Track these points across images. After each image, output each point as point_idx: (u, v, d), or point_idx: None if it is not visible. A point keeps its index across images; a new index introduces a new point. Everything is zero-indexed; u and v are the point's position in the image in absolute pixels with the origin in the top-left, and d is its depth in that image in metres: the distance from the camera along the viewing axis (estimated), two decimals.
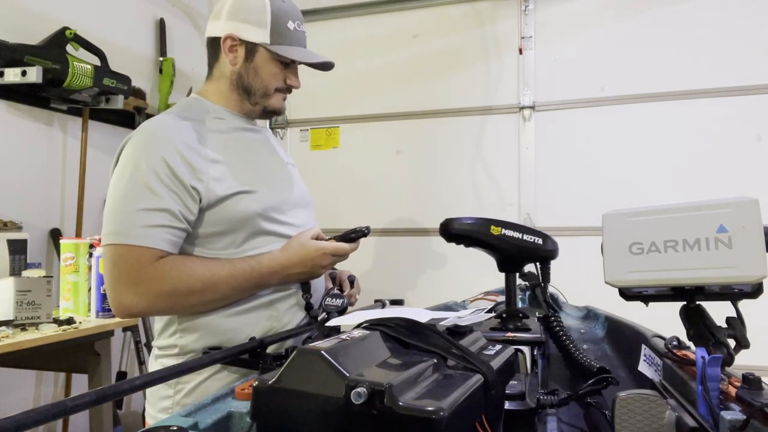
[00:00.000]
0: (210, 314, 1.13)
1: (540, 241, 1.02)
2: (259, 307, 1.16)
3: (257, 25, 1.19)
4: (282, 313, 1.18)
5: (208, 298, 1.09)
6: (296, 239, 1.19)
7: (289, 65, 1.25)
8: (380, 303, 1.30)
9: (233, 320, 1.14)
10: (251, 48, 1.21)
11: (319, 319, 1.07)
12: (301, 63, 1.27)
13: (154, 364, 1.19)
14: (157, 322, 1.19)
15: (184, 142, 1.10)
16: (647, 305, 0.83)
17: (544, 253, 1.03)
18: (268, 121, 3.04)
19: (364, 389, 0.49)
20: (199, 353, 1.12)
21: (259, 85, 1.23)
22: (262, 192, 1.17)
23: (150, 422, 1.17)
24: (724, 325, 0.75)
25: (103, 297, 1.89)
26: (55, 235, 2.27)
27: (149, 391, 1.17)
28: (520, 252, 1.03)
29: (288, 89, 1.28)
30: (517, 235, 1.02)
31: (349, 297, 1.29)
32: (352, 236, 1.21)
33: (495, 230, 1.02)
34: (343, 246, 1.20)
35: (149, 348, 2.25)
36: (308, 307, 1.21)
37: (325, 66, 1.30)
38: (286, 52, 1.22)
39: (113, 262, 1.06)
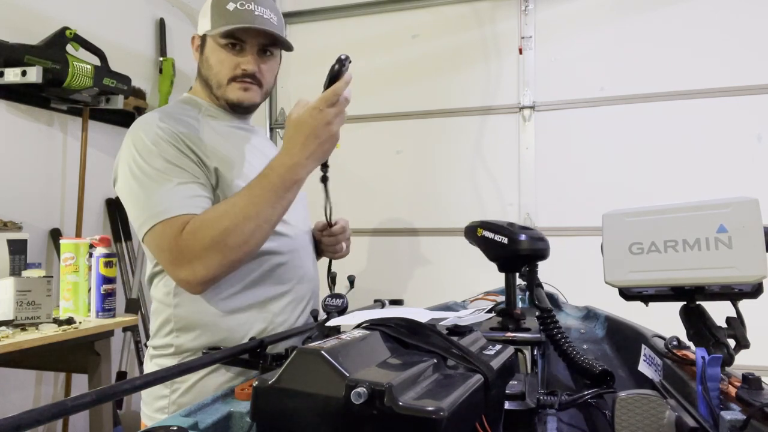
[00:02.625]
0: (206, 314, 1.13)
1: (505, 240, 0.98)
2: (254, 306, 1.16)
3: (203, 17, 1.22)
4: (277, 313, 1.18)
5: (247, 227, 1.03)
6: (287, 121, 1.08)
7: (242, 50, 1.20)
8: (380, 303, 1.30)
9: (229, 319, 1.14)
10: (202, 40, 1.24)
11: (319, 319, 1.07)
12: (263, 39, 1.21)
13: (149, 365, 1.19)
14: (153, 322, 1.19)
15: (182, 131, 1.13)
16: (647, 305, 0.83)
17: (510, 252, 0.99)
18: (267, 122, 3.04)
19: (364, 389, 0.49)
20: (195, 353, 1.12)
21: (212, 74, 1.22)
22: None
23: (146, 422, 1.17)
24: (724, 325, 0.75)
25: (103, 297, 1.89)
26: (55, 235, 2.28)
27: (145, 391, 1.16)
28: (495, 252, 1.01)
29: (245, 76, 1.21)
30: (490, 235, 1.00)
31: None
32: (335, 72, 1.05)
33: (479, 232, 1.02)
34: (335, 87, 1.04)
35: None
36: (332, 282, 1.22)
37: (280, 42, 1.23)
38: (218, 30, 1.16)
39: (156, 245, 1.06)
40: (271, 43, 1.23)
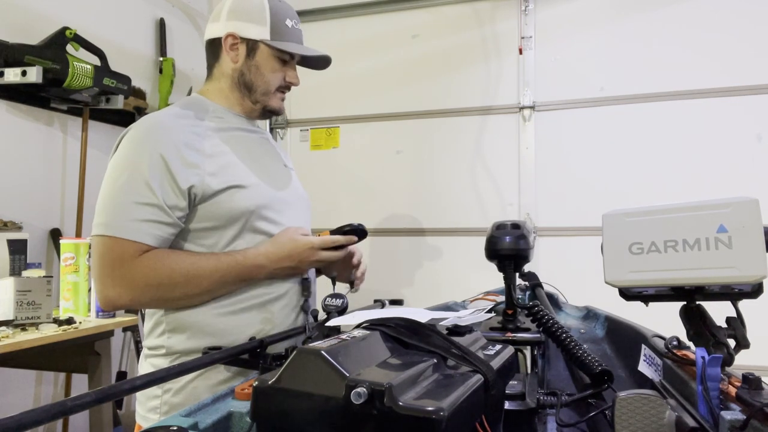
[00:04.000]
0: (199, 315, 1.13)
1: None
2: (251, 308, 1.15)
3: (257, 23, 1.21)
4: (274, 315, 1.18)
5: (192, 291, 1.09)
6: (285, 233, 1.19)
7: (287, 63, 1.27)
8: (380, 303, 1.30)
9: (223, 321, 1.13)
10: (252, 45, 1.23)
11: (318, 319, 1.07)
12: (301, 57, 1.29)
13: (144, 364, 1.19)
14: (147, 322, 1.19)
15: (181, 139, 1.11)
16: (647, 305, 0.83)
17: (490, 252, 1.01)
18: (267, 122, 3.04)
19: (364, 389, 0.49)
20: (186, 354, 1.13)
21: (261, 81, 1.25)
22: (256, 188, 1.17)
23: (140, 422, 1.17)
24: (724, 325, 0.75)
25: None
26: (55, 235, 2.28)
27: (139, 392, 1.17)
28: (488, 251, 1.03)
29: (287, 87, 1.29)
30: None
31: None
32: (346, 230, 1.20)
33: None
34: (333, 238, 1.19)
35: None
36: (306, 308, 1.21)
37: (324, 61, 1.32)
38: (287, 47, 1.24)
39: (100, 253, 1.08)
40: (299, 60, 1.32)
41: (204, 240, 1.13)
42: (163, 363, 1.15)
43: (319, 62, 1.33)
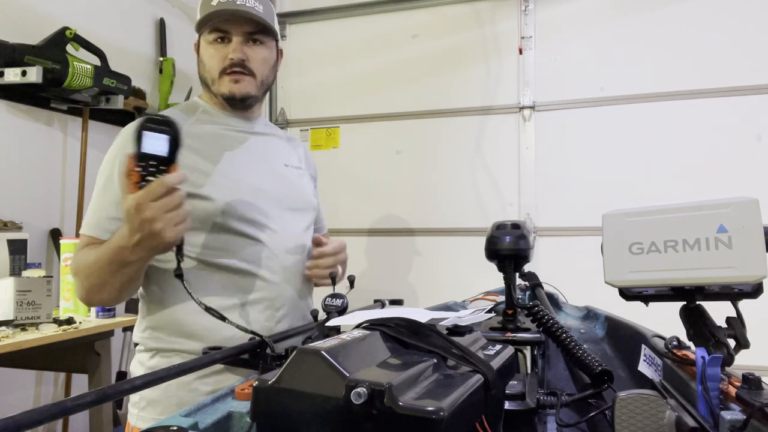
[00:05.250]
0: (174, 314, 1.15)
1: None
2: (229, 309, 1.14)
3: (194, 22, 1.24)
4: (249, 321, 1.15)
5: (88, 282, 1.08)
6: None
7: (224, 41, 1.20)
8: (380, 303, 1.29)
9: (198, 321, 1.13)
10: (197, 43, 1.26)
11: (319, 319, 1.07)
12: (243, 34, 1.20)
13: (133, 360, 1.23)
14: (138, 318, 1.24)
15: None
16: (647, 305, 0.83)
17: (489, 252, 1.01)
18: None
19: (364, 389, 0.49)
20: (162, 353, 1.16)
21: (206, 72, 1.24)
22: (221, 193, 1.15)
23: (129, 420, 1.18)
24: (724, 325, 0.75)
25: None
26: (55, 235, 2.28)
27: None
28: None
29: (233, 65, 1.20)
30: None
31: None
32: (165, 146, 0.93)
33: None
34: (162, 180, 0.89)
35: None
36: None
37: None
38: (200, 22, 1.20)
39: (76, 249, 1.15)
40: (258, 31, 1.22)
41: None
42: (145, 359, 1.19)
43: (269, 29, 1.23)
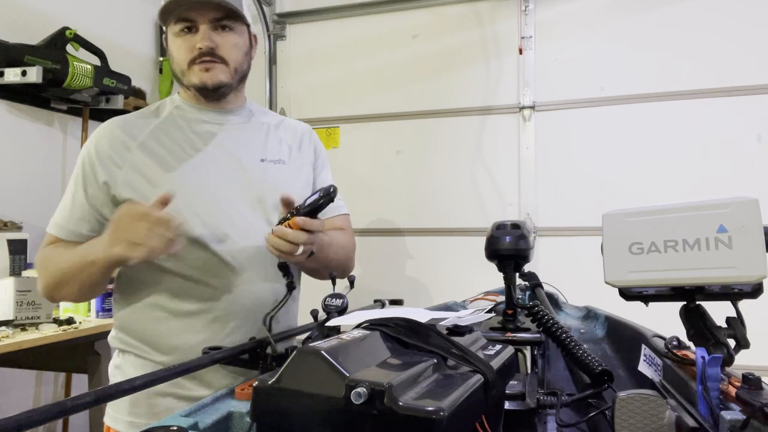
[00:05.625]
0: (129, 318, 1.16)
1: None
2: (173, 318, 1.12)
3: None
4: (200, 330, 1.11)
5: (52, 280, 1.12)
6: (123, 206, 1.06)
7: (191, 31, 1.14)
8: (380, 303, 1.30)
9: (153, 328, 1.13)
10: (165, 36, 1.22)
11: (319, 319, 1.07)
12: (209, 21, 1.14)
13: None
14: None
15: (105, 149, 1.16)
16: (647, 305, 0.83)
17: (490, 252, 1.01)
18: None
19: (364, 389, 0.49)
20: (121, 352, 1.18)
21: (175, 65, 1.19)
22: (170, 193, 1.07)
23: (106, 420, 1.19)
24: (724, 325, 0.75)
25: (103, 297, 1.88)
26: None
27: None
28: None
29: (201, 55, 1.14)
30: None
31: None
32: (307, 207, 0.98)
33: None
34: (158, 216, 0.95)
35: None
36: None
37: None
38: (162, 13, 1.14)
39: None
40: (225, 16, 1.15)
41: None
42: (116, 358, 1.21)
43: (236, 13, 1.16)
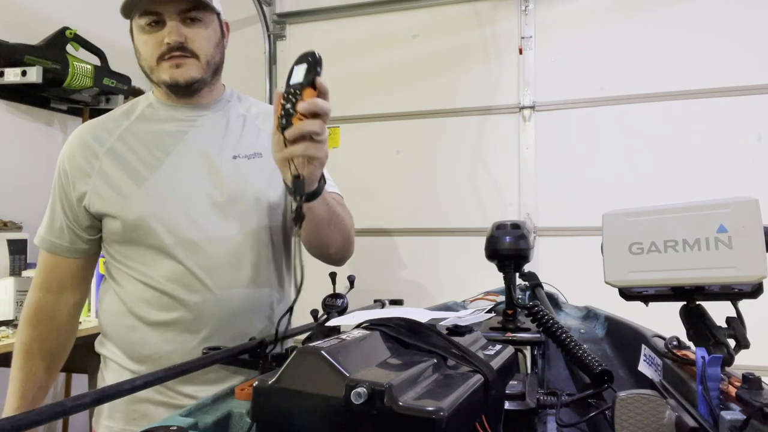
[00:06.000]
0: (109, 325, 1.18)
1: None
2: (146, 324, 1.12)
3: None
4: (169, 340, 1.10)
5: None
6: None
7: (158, 24, 1.09)
8: (380, 303, 1.30)
9: (130, 336, 1.14)
10: (130, 30, 1.17)
11: (318, 319, 1.07)
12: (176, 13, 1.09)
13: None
14: None
15: (76, 157, 1.16)
16: (647, 305, 0.83)
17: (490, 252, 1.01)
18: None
19: (364, 389, 0.49)
20: (104, 360, 1.20)
21: (143, 61, 1.15)
22: (137, 208, 1.08)
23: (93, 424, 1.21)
24: (724, 325, 0.75)
25: None
26: None
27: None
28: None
29: (171, 50, 1.09)
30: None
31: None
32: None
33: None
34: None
35: None
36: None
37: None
38: (123, 8, 1.09)
39: (38, 262, 1.23)
40: (193, 8, 1.09)
41: (112, 248, 1.17)
42: (101, 363, 1.24)
43: (204, 3, 1.10)
